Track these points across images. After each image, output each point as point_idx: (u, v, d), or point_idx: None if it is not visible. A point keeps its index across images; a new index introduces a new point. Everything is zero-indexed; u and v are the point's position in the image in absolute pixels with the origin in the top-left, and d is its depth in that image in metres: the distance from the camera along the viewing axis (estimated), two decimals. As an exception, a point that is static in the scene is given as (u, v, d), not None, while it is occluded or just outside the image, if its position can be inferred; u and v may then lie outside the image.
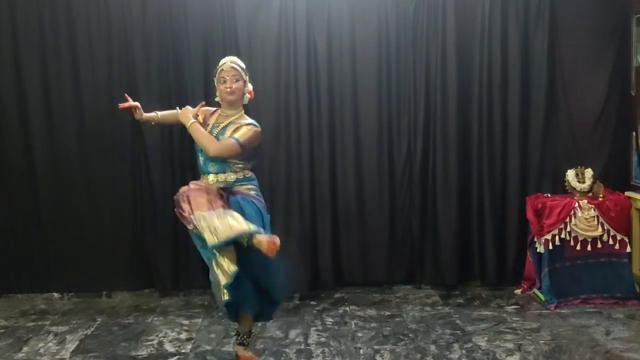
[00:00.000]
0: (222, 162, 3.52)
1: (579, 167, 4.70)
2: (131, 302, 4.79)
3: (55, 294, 4.85)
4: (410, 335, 4.03)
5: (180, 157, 4.73)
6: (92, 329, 4.25)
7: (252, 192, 3.58)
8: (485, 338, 3.95)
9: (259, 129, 3.58)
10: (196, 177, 4.67)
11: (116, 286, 4.86)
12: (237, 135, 3.49)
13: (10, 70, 4.65)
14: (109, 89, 4.68)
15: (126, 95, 3.76)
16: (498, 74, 4.74)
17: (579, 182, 4.65)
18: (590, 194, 4.63)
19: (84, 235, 4.77)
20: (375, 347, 3.86)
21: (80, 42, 4.64)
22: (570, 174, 4.67)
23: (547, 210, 4.51)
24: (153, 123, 3.85)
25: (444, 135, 4.77)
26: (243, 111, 3.64)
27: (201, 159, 3.58)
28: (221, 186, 3.51)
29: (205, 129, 3.53)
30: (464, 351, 3.77)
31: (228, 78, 3.54)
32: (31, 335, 4.15)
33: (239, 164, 3.55)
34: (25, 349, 3.95)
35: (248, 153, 3.55)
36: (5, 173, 4.73)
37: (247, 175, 3.60)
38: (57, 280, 4.83)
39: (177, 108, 3.66)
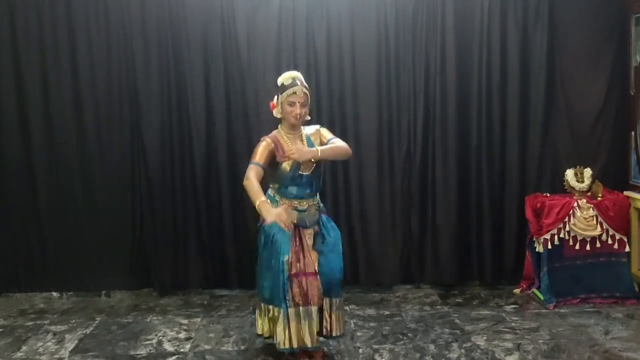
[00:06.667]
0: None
1: (578, 166, 4.70)
2: (130, 301, 4.79)
3: (54, 293, 4.85)
4: (409, 334, 4.03)
5: (180, 157, 4.73)
6: (91, 328, 4.25)
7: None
8: (484, 337, 3.96)
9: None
10: (196, 179, 4.74)
11: (115, 285, 4.86)
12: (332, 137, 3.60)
13: (9, 70, 4.64)
14: (109, 89, 4.68)
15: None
16: (497, 74, 4.74)
17: (578, 181, 4.65)
18: (589, 194, 4.64)
19: (83, 235, 4.77)
20: (375, 346, 3.86)
21: (79, 42, 4.64)
22: (569, 174, 4.67)
23: (546, 209, 4.51)
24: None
25: (444, 135, 4.77)
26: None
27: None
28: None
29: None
30: (463, 350, 3.77)
31: (298, 103, 3.44)
32: (30, 335, 4.15)
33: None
34: (24, 348, 3.95)
35: None
36: (4, 172, 4.72)
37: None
38: (56, 280, 4.83)
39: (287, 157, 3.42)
